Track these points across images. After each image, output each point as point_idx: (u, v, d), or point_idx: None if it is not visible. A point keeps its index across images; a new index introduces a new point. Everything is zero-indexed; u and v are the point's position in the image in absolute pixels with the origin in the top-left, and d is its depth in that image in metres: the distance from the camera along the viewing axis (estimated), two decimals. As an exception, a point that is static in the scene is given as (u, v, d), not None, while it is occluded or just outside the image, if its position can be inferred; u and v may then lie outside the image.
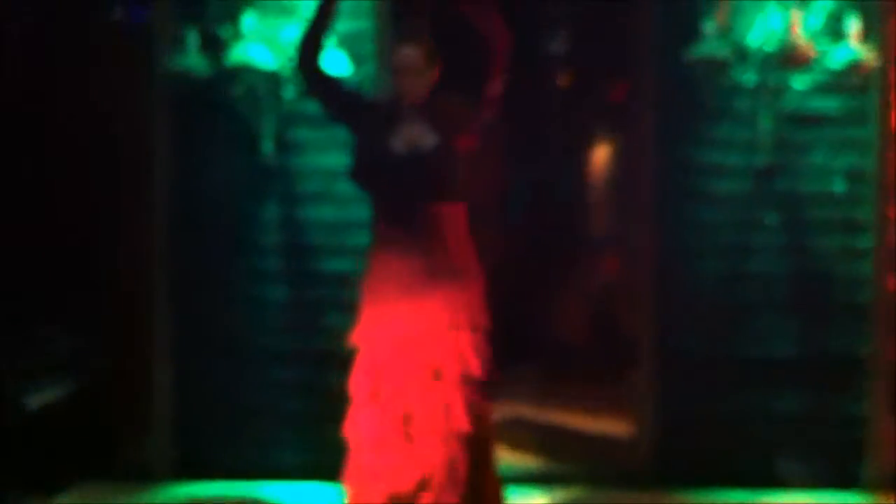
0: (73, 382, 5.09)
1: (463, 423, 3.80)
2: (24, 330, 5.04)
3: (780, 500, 4.94)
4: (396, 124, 3.94)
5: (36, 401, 4.98)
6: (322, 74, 4.04)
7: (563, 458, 5.60)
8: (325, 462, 5.06)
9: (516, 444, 5.69)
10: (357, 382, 3.95)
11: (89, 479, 5.02)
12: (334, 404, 5.11)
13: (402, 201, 3.88)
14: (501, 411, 6.28)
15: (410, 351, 3.84)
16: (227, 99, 5.11)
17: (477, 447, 3.87)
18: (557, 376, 6.93)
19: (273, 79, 5.03)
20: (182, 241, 5.20)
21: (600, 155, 7.27)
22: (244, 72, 4.99)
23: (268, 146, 5.12)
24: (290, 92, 5.09)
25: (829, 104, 5.12)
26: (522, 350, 7.09)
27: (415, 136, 3.91)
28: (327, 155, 5.10)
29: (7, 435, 4.82)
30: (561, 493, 5.03)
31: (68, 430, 4.97)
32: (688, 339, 5.17)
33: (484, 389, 3.92)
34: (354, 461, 3.94)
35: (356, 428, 3.93)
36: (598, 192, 7.33)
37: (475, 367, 3.87)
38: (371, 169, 3.93)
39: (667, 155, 5.18)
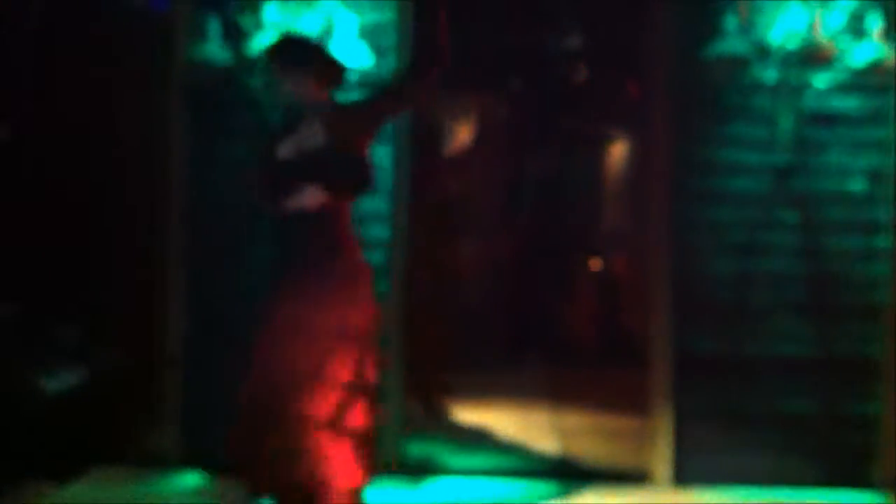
0: (88, 371, 5.08)
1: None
2: (41, 318, 5.04)
3: (791, 499, 4.93)
4: (291, 131, 4.02)
5: (52, 387, 4.98)
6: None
7: (574, 453, 5.62)
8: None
9: (526, 438, 5.74)
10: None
11: (103, 467, 5.02)
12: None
13: (292, 203, 3.94)
14: (516, 406, 6.38)
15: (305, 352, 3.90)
16: (247, 90, 5.10)
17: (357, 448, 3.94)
18: (569, 374, 6.94)
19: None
20: (196, 234, 5.19)
21: (616, 152, 7.27)
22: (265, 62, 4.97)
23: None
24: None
25: (849, 103, 5.10)
26: (535, 347, 7.12)
27: (305, 138, 3.97)
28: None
29: (23, 421, 4.83)
30: (574, 488, 5.03)
31: (83, 417, 4.97)
32: (701, 339, 5.15)
33: (371, 393, 4.00)
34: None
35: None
36: (613, 190, 7.32)
37: (364, 372, 3.96)
38: (262, 178, 4.04)
39: (684, 153, 5.17)
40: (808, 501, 4.92)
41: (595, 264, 7.32)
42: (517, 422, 6.23)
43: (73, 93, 5.16)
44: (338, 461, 3.87)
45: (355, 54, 4.87)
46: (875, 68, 5.01)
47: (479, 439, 5.82)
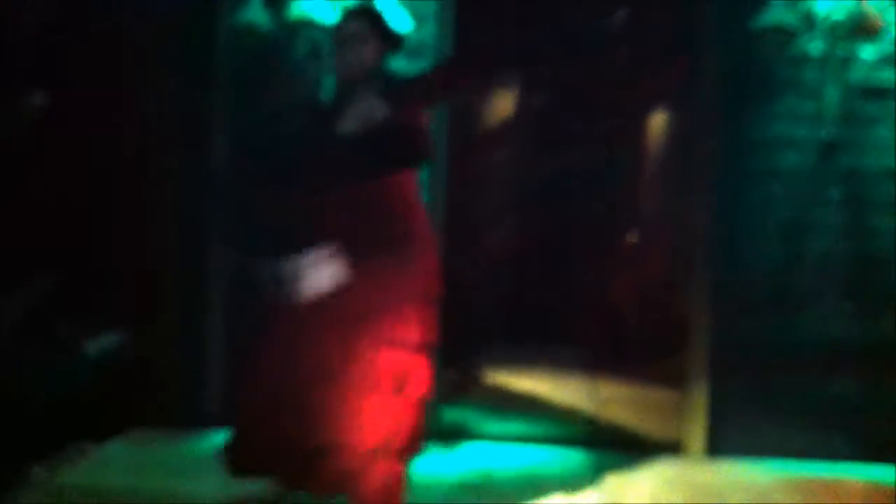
0: (128, 332, 5.15)
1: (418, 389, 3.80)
2: (81, 284, 5.10)
3: (824, 473, 4.89)
4: (345, 105, 3.92)
5: (93, 350, 5.04)
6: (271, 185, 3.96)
7: (608, 423, 5.62)
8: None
9: (560, 412, 5.73)
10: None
11: (142, 428, 5.08)
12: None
13: (355, 176, 3.82)
14: (551, 376, 6.37)
15: (357, 317, 3.78)
16: (289, 55, 5.12)
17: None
18: (608, 357, 6.91)
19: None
20: (237, 195, 5.19)
21: (661, 129, 7.21)
22: (307, 27, 5.00)
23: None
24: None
25: (896, 76, 5.02)
26: (572, 329, 7.09)
27: (366, 110, 3.86)
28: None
29: (66, 383, 4.91)
30: (607, 458, 5.03)
31: (123, 379, 5.04)
32: (742, 319, 5.10)
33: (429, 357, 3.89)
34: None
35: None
36: (657, 168, 7.26)
37: (423, 335, 3.84)
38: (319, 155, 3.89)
39: (730, 128, 5.11)
40: (845, 475, 4.87)
41: (635, 241, 7.28)
42: (552, 390, 6.26)
43: (110, 58, 5.18)
44: (399, 426, 3.79)
45: (396, 20, 4.87)
46: (922, 41, 4.94)
47: (514, 406, 5.83)
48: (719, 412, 5.09)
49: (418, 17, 5.04)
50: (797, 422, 5.06)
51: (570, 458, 5.00)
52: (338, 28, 3.98)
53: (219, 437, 5.01)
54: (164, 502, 4.24)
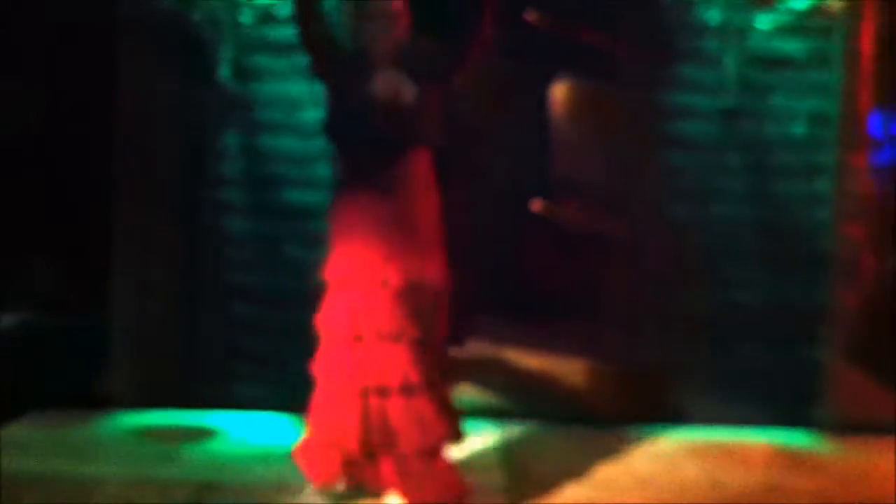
0: (35, 311, 5.03)
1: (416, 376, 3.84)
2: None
3: (734, 438, 4.98)
4: (371, 73, 3.88)
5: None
6: (322, 42, 3.93)
7: (527, 396, 5.63)
8: (282, 395, 5.10)
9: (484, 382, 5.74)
10: (329, 321, 3.92)
11: (50, 407, 4.98)
12: (294, 339, 5.15)
13: (376, 148, 3.85)
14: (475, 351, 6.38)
15: (384, 300, 3.83)
16: (186, 24, 5.02)
17: (437, 396, 3.92)
18: (528, 321, 6.93)
19: (232, 4, 4.96)
20: (142, 171, 5.11)
21: (569, 101, 7.21)
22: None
23: (226, 72, 5.05)
24: (248, 17, 5.02)
25: (793, 46, 5.11)
26: (495, 296, 7.09)
27: (389, 82, 3.85)
28: (289, 83, 5.03)
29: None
30: (520, 428, 5.06)
31: (23, 359, 4.92)
32: (652, 285, 5.17)
33: (444, 344, 3.99)
34: (322, 399, 3.94)
35: (328, 367, 3.92)
36: (568, 139, 7.27)
37: (437, 325, 3.92)
38: (346, 120, 3.89)
39: (638, 97, 5.16)
40: (748, 439, 4.96)
41: (547, 212, 7.29)
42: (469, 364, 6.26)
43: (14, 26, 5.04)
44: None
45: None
46: (818, 11, 5.03)
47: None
48: (633, 382, 5.17)
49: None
50: (703, 388, 5.16)
51: (483, 429, 4.98)
52: (368, 2, 3.91)
53: (123, 419, 4.97)
54: (71, 486, 4.15)
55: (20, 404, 4.87)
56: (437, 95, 3.90)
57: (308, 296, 5.01)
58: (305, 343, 4.79)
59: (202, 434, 4.85)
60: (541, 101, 7.32)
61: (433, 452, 3.88)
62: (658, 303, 5.16)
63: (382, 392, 3.80)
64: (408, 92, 3.83)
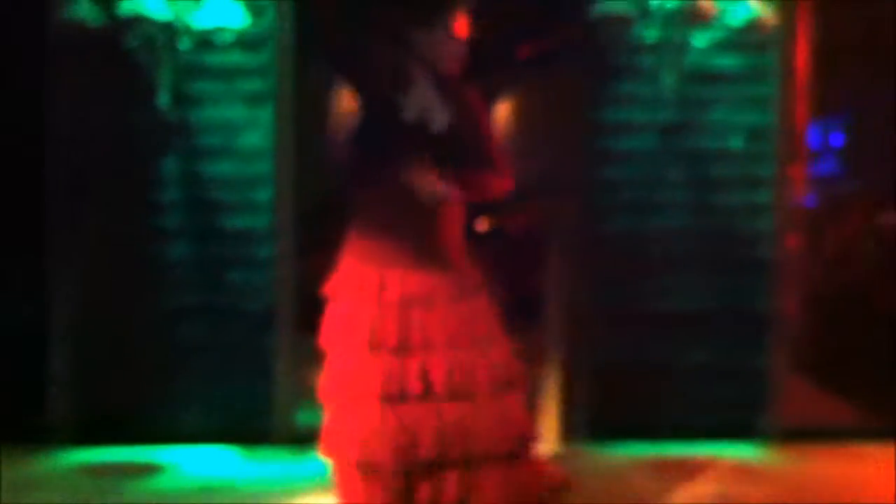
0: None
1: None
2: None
3: (679, 452, 5.00)
4: (414, 90, 3.57)
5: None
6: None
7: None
8: (229, 424, 5.03)
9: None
10: (335, 337, 3.59)
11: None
12: (238, 362, 5.09)
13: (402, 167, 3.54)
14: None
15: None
16: (123, 51, 4.97)
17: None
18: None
19: (169, 30, 4.92)
20: (79, 198, 5.04)
21: (504, 113, 7.25)
22: (139, 22, 4.87)
23: (165, 99, 5.01)
24: (186, 43, 4.99)
25: (730, 61, 5.17)
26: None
27: (429, 104, 3.54)
28: (227, 108, 5.01)
29: None
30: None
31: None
32: (594, 294, 5.18)
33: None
34: (339, 423, 3.53)
35: (340, 385, 3.54)
36: (508, 149, 7.30)
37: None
38: (381, 133, 3.57)
39: (575, 113, 5.18)
40: (694, 453, 4.98)
41: (487, 224, 7.32)
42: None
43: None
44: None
45: (227, 14, 4.80)
46: (754, 27, 5.09)
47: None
48: (575, 393, 5.16)
49: (256, 10, 4.97)
50: (653, 402, 5.18)
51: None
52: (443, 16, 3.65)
53: (64, 455, 4.87)
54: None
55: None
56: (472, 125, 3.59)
57: (252, 318, 5.04)
58: (251, 367, 4.77)
59: (147, 469, 4.77)
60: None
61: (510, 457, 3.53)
62: (603, 310, 5.18)
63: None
64: (445, 116, 3.52)
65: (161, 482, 4.63)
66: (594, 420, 5.15)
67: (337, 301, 3.61)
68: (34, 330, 5.02)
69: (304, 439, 4.90)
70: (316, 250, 4.66)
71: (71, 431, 5.04)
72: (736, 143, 5.19)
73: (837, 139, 7.10)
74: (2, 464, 4.68)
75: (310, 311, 5.17)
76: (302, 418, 5.08)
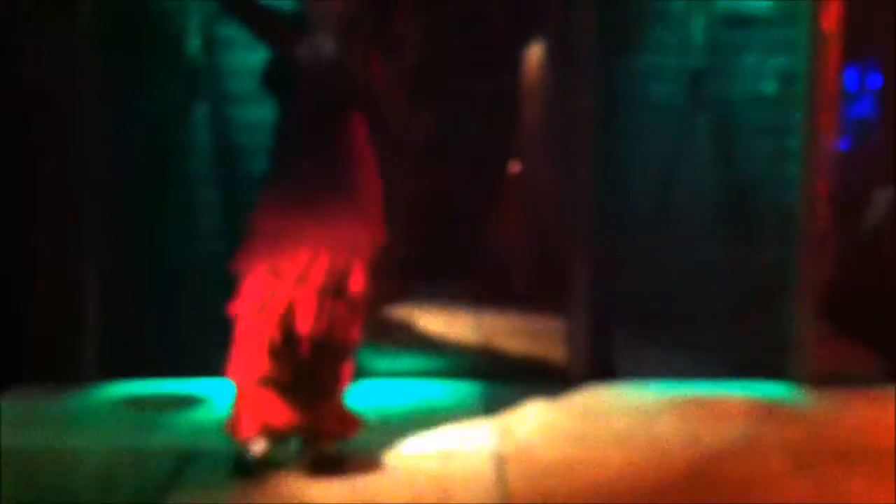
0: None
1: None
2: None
3: (709, 391, 5.05)
4: (308, 33, 4.04)
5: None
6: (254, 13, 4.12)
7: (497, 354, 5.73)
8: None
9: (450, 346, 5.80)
10: (247, 259, 4.02)
11: (24, 384, 4.97)
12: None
13: (309, 107, 4.01)
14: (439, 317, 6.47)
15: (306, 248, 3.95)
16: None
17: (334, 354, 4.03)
18: (494, 289, 7.01)
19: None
20: (109, 144, 5.09)
21: (536, 60, 7.23)
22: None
23: (195, 44, 5.05)
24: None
25: (760, 4, 5.15)
26: (459, 264, 7.17)
27: (323, 44, 4.02)
28: (256, 53, 5.03)
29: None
30: (496, 388, 5.11)
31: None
32: (621, 243, 5.21)
33: (361, 304, 4.04)
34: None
35: (245, 302, 4.00)
36: (537, 102, 7.30)
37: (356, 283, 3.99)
38: (280, 76, 4.07)
39: (603, 60, 5.18)
40: (725, 393, 5.04)
41: (514, 169, 7.34)
42: (441, 325, 6.34)
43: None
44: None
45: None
46: (784, -32, 5.07)
47: (405, 343, 5.89)
48: (602, 337, 5.23)
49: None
50: (677, 343, 5.22)
51: (460, 391, 5.06)
52: None
53: (104, 390, 4.98)
54: (57, 458, 4.17)
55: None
56: (369, 60, 4.04)
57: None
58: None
59: (186, 402, 4.86)
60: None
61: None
62: (636, 259, 5.22)
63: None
64: (337, 54, 3.99)
65: (202, 414, 4.71)
66: (625, 363, 5.22)
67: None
68: (67, 272, 5.09)
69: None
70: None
71: (105, 366, 5.12)
72: (765, 88, 5.18)
73: (875, 80, 7.05)
74: (47, 400, 4.83)
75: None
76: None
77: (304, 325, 3.94)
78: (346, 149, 4.02)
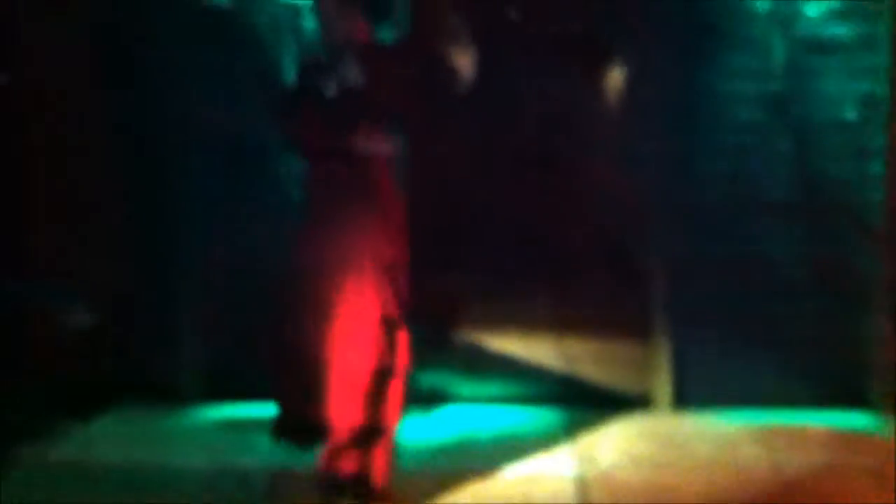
0: (104, 308, 5.17)
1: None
2: (55, 256, 5.13)
3: (789, 420, 5.06)
4: (328, 68, 4.08)
5: (71, 325, 5.07)
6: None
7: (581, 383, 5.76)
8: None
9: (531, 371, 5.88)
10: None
11: (125, 404, 5.16)
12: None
13: (329, 140, 4.02)
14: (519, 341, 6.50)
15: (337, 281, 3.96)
16: (249, 29, 5.18)
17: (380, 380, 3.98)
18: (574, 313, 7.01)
19: (293, 8, 5.10)
20: (202, 171, 5.26)
21: (615, 80, 7.23)
22: (265, 1, 5.07)
23: (291, 77, 5.19)
24: (310, 22, 5.14)
25: (841, 30, 5.16)
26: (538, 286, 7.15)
27: (344, 76, 4.04)
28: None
29: (45, 359, 4.95)
30: (579, 414, 5.18)
31: (102, 355, 5.11)
32: (703, 272, 5.26)
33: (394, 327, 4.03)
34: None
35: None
36: (610, 120, 7.30)
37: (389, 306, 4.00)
38: (299, 113, 4.11)
39: (680, 82, 5.23)
40: (807, 422, 5.05)
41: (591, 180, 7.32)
42: (522, 350, 6.36)
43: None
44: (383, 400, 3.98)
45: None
46: (864, -5, 5.08)
47: (488, 368, 5.95)
48: (684, 364, 5.27)
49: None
50: (760, 370, 5.24)
51: (543, 416, 5.14)
52: (318, 3, 4.15)
53: (200, 412, 5.14)
54: (156, 476, 4.33)
55: (104, 400, 5.06)
56: (389, 88, 4.03)
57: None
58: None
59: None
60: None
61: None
62: (712, 288, 5.26)
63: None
64: (357, 85, 4.00)
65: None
66: (707, 390, 5.24)
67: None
68: (167, 297, 5.27)
69: (423, 398, 5.12)
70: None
71: (197, 387, 5.28)
72: (846, 113, 5.21)
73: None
74: (147, 419, 5.01)
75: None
76: (421, 378, 5.27)
77: (402, 360, 4.00)
78: (367, 174, 4.02)
